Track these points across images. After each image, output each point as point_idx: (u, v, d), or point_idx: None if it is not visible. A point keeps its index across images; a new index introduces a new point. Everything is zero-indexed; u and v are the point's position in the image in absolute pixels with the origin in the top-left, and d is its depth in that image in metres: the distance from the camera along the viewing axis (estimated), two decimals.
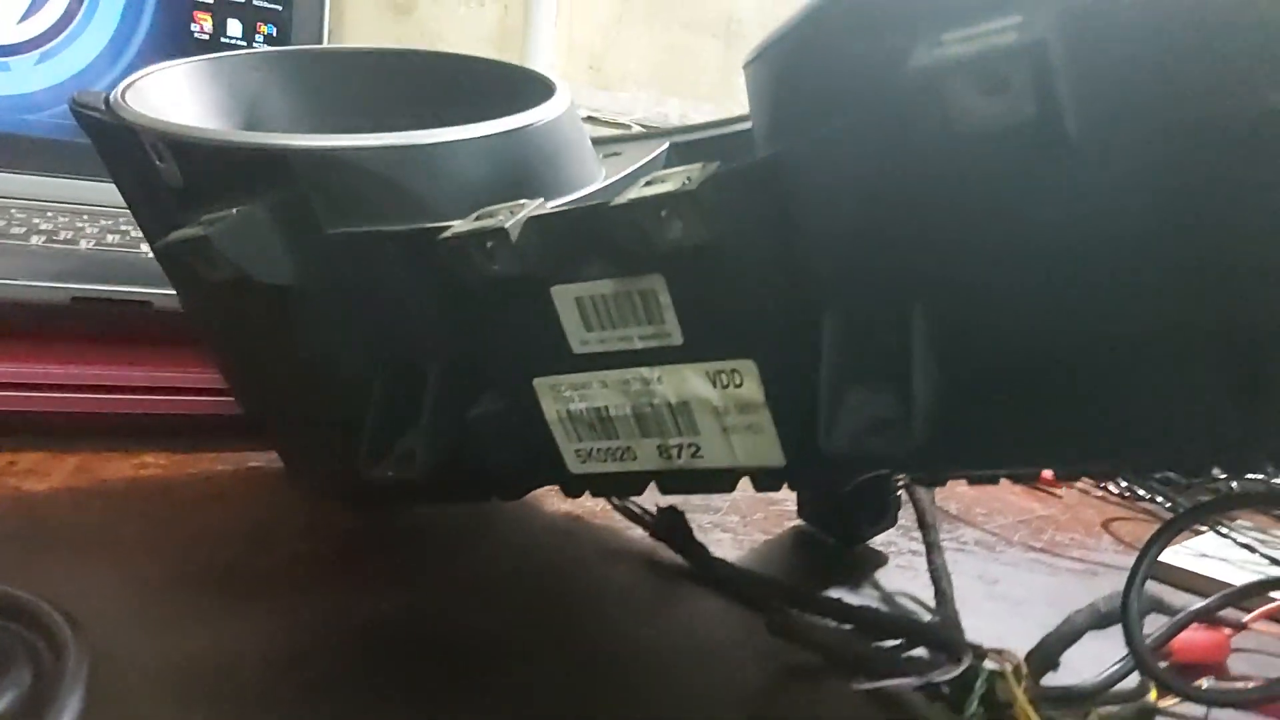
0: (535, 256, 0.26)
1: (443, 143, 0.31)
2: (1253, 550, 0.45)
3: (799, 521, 0.46)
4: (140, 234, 0.56)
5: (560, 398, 0.29)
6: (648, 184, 0.24)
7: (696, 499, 0.48)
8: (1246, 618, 0.36)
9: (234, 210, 0.29)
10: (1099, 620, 0.31)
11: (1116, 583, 0.44)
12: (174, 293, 0.51)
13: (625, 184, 0.28)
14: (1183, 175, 0.19)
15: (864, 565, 0.42)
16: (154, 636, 0.30)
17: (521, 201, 0.27)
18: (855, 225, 0.23)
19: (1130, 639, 0.26)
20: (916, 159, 0.21)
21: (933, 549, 0.36)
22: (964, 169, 0.20)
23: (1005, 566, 0.44)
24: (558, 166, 0.35)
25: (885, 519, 0.44)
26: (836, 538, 0.44)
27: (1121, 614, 0.27)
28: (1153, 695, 0.30)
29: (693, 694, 0.30)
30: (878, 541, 0.45)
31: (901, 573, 0.41)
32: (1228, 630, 0.36)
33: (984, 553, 0.46)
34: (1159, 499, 0.56)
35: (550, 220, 0.26)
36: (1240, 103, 0.19)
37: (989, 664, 0.27)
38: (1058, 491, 0.58)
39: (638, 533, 0.42)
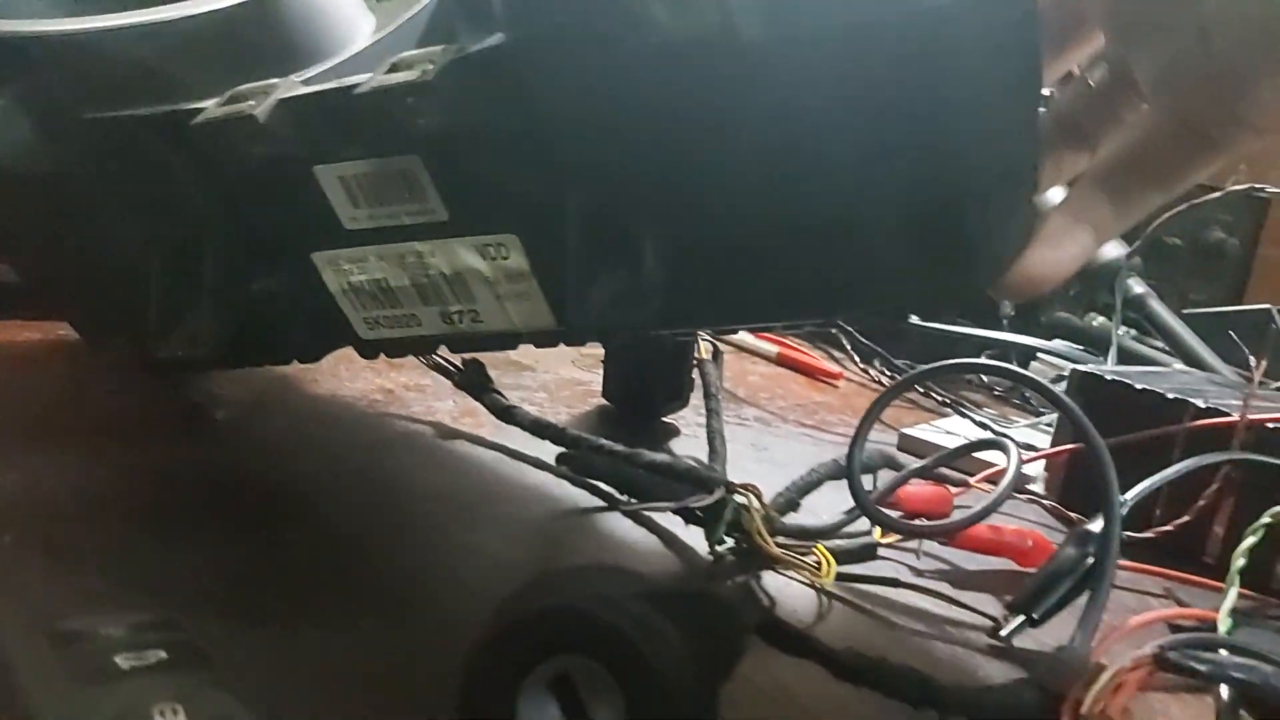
0: (290, 139, 0.26)
1: (183, 17, 0.30)
2: (986, 427, 0.53)
3: (603, 401, 0.51)
4: None
5: (340, 271, 0.30)
6: (391, 68, 0.25)
7: (507, 379, 0.52)
8: (973, 479, 0.43)
9: None
10: (837, 472, 0.36)
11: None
12: None
13: (380, 52, 0.28)
14: (859, 69, 0.22)
15: (659, 436, 0.47)
16: None
17: (272, 82, 0.27)
18: (587, 113, 0.24)
19: (851, 481, 0.31)
20: (625, 62, 0.22)
21: (712, 415, 0.41)
22: (666, 71, 0.22)
23: (776, 438, 0.50)
24: (313, 30, 0.32)
25: (679, 399, 0.49)
26: (636, 413, 0.49)
27: (847, 463, 0.32)
28: (877, 534, 0.36)
29: (481, 532, 0.34)
30: (672, 418, 0.50)
31: (689, 441, 0.47)
32: (954, 489, 0.43)
33: (760, 427, 0.52)
34: (929, 393, 0.63)
35: (299, 103, 0.26)
36: (899, 5, 0.21)
37: (738, 498, 0.32)
38: (835, 383, 0.64)
39: (446, 403, 0.46)
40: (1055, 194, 0.28)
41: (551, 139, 0.25)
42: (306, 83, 0.27)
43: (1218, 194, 0.59)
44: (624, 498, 0.34)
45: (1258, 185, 0.58)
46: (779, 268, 0.25)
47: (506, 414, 0.38)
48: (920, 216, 0.24)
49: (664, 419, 0.49)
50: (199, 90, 0.28)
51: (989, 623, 0.31)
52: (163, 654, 0.21)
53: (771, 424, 0.53)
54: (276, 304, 0.31)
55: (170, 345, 0.31)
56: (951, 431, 0.54)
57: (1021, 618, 0.30)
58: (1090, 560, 0.30)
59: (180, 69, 0.29)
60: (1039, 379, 0.35)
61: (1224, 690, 0.30)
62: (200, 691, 0.20)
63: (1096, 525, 0.31)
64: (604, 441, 0.35)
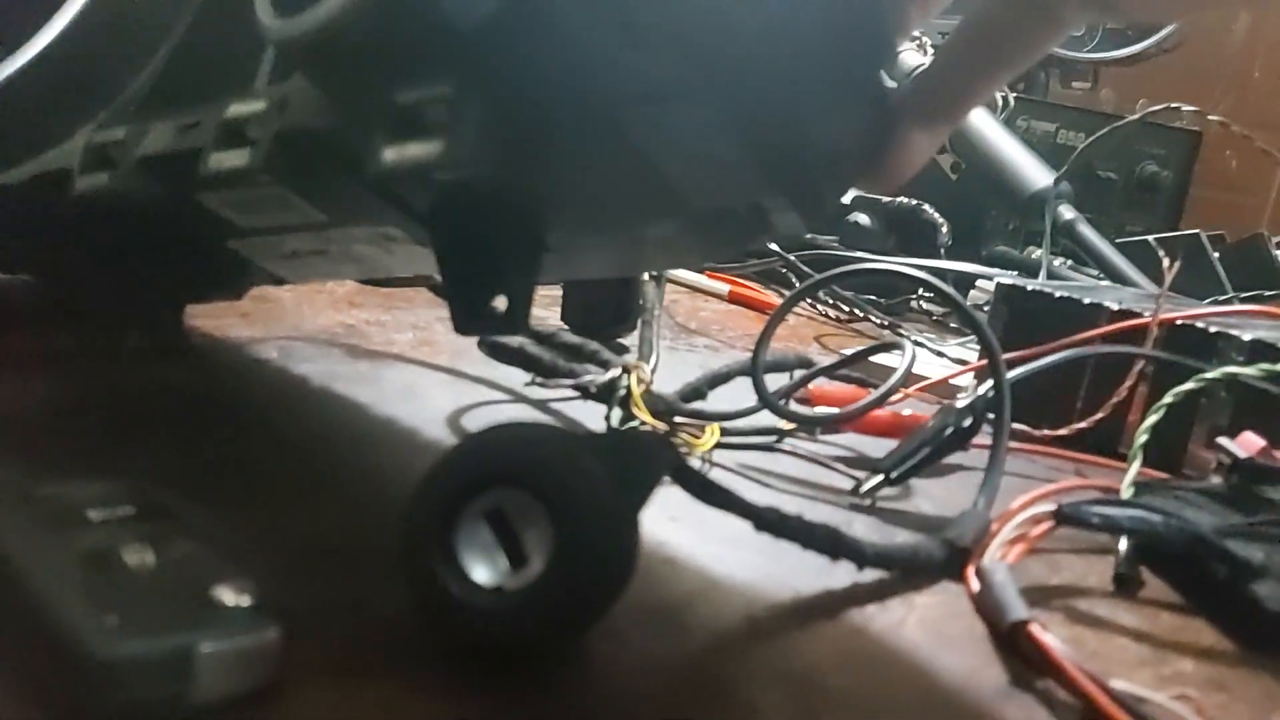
0: (156, 186, 0.27)
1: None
2: (920, 344, 0.56)
3: (561, 325, 0.53)
4: None
5: (259, 251, 0.32)
6: (220, 139, 0.25)
7: None
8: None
9: None
10: (746, 368, 0.39)
11: None
12: None
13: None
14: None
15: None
16: None
17: (119, 136, 0.28)
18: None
19: (754, 376, 0.34)
20: None
21: (645, 325, 0.44)
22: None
23: (721, 358, 0.53)
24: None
25: (626, 321, 0.52)
26: (589, 333, 0.51)
27: (752, 359, 0.35)
28: (784, 425, 0.39)
29: (425, 432, 0.37)
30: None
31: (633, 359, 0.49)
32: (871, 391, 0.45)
33: (708, 352, 0.55)
34: (867, 317, 0.66)
35: (155, 163, 0.27)
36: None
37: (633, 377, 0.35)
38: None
39: (405, 335, 0.48)
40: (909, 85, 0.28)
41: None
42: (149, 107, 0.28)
43: (1135, 118, 0.62)
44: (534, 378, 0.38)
45: (1173, 104, 0.61)
46: (639, 231, 0.27)
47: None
48: (777, 169, 0.24)
49: (616, 340, 0.51)
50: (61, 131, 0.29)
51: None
52: (132, 509, 0.23)
53: (719, 350, 0.56)
54: (214, 271, 0.34)
55: (134, 338, 0.36)
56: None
57: (880, 476, 0.34)
58: (950, 430, 0.33)
59: (38, 118, 0.30)
60: (931, 278, 0.38)
61: (1123, 546, 0.33)
62: (168, 537, 0.22)
63: (961, 402, 0.34)
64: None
